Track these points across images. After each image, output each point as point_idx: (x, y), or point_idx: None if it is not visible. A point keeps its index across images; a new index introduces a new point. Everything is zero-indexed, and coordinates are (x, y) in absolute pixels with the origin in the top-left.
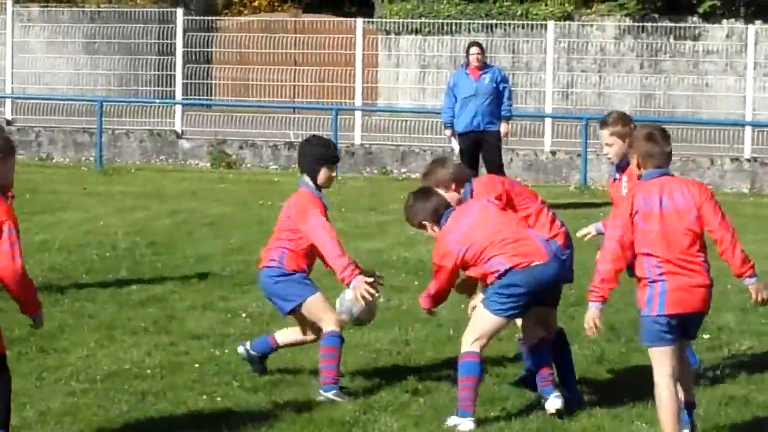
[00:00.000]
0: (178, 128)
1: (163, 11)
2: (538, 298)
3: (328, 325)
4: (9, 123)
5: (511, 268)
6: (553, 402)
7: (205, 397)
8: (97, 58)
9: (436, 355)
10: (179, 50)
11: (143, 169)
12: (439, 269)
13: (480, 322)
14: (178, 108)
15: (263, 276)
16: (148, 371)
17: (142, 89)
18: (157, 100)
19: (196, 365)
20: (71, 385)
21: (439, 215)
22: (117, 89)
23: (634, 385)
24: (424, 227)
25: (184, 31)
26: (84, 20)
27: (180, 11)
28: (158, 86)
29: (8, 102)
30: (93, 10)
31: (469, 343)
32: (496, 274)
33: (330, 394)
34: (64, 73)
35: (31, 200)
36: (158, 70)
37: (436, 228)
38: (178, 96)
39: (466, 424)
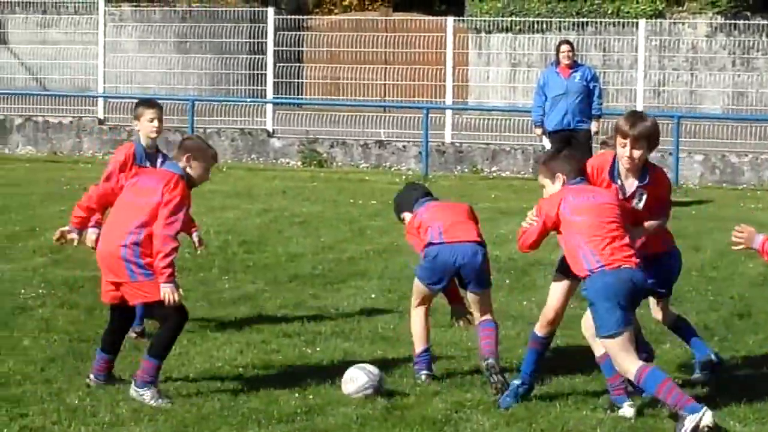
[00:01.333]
0: (269, 127)
1: (254, 10)
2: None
3: None
4: (101, 122)
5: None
6: (627, 410)
7: (296, 395)
8: (188, 58)
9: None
10: (270, 49)
11: (234, 167)
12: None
13: None
14: (269, 107)
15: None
16: (240, 369)
17: (234, 88)
18: (249, 99)
19: (288, 363)
20: (164, 382)
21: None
22: (208, 88)
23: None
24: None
25: (275, 30)
26: (175, 19)
27: (271, 10)
28: (249, 85)
29: (100, 101)
30: (184, 9)
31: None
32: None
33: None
34: (155, 72)
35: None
36: (249, 69)
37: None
38: (269, 95)
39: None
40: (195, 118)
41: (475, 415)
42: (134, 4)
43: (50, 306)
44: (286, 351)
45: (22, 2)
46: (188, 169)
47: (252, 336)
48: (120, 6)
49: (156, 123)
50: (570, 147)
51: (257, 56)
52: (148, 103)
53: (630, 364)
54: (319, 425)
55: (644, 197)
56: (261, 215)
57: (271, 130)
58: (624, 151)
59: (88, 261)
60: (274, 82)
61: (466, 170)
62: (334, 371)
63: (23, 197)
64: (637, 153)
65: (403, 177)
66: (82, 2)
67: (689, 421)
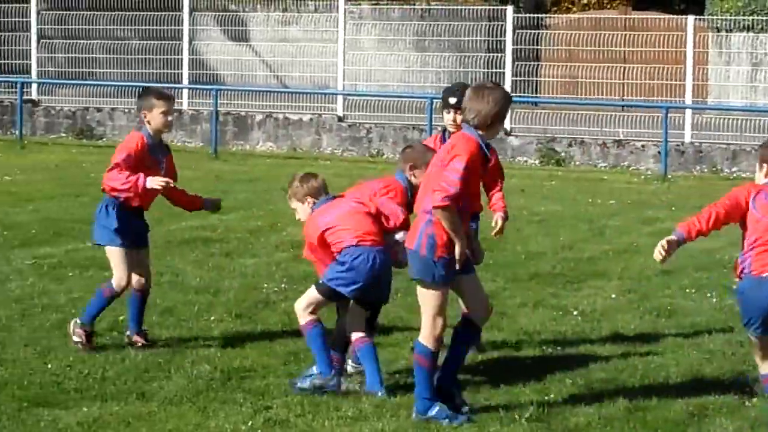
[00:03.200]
0: (506, 125)
1: (492, 9)
2: None
3: None
4: (341, 119)
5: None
6: None
7: (537, 394)
8: (426, 56)
9: None
10: (509, 48)
11: None
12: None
13: None
14: None
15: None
16: (481, 367)
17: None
18: None
19: (528, 361)
20: (410, 378)
21: None
22: (446, 86)
23: None
24: None
25: (514, 28)
26: (414, 18)
27: (510, 9)
28: None
29: (340, 98)
30: (423, 7)
31: None
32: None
33: None
34: (394, 70)
35: None
36: (487, 68)
37: None
38: None
39: None
40: (433, 116)
41: (719, 418)
42: (374, 2)
43: (292, 300)
44: (526, 349)
45: (264, 0)
46: (412, 179)
47: (493, 334)
48: (359, 4)
49: (169, 117)
50: None
51: (495, 54)
52: (161, 94)
53: None
54: (560, 425)
55: None
56: None
57: (508, 129)
58: None
59: None
60: (512, 81)
61: (705, 170)
62: (575, 371)
63: (264, 193)
64: None
65: (642, 177)
66: (323, 1)
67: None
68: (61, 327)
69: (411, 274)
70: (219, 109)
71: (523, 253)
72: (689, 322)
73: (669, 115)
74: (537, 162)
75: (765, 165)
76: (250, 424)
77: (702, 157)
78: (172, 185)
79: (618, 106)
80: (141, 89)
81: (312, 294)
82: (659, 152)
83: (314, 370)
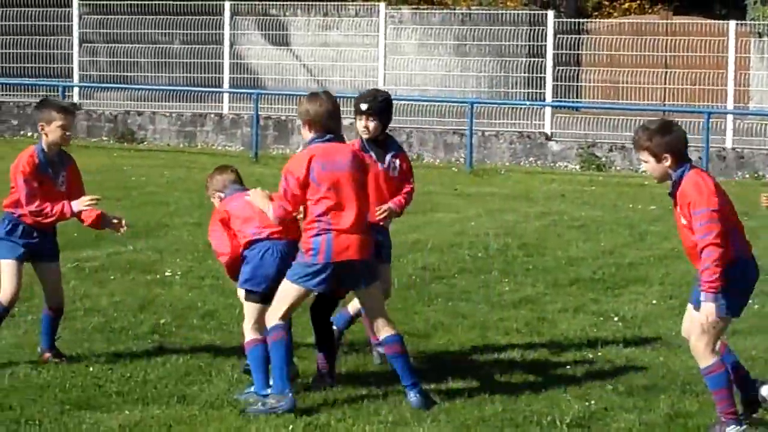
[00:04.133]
0: (547, 130)
1: (533, 13)
2: None
3: None
4: None
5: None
6: None
7: (578, 400)
8: (467, 60)
9: None
10: (549, 52)
11: (512, 170)
12: None
13: None
14: (548, 110)
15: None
16: (522, 372)
17: (512, 91)
18: (527, 102)
19: (568, 367)
20: (447, 383)
21: None
22: (487, 91)
23: None
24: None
25: (555, 33)
26: (455, 22)
27: (551, 14)
28: (528, 88)
29: None
30: (464, 12)
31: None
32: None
33: None
34: (434, 74)
35: None
36: (528, 73)
37: None
38: (548, 98)
39: None
40: (474, 121)
41: (761, 426)
42: (414, 6)
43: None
44: (566, 355)
45: (304, 5)
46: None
47: (533, 339)
48: (400, 9)
49: (68, 132)
50: None
51: (536, 59)
52: (62, 108)
53: None
54: (600, 430)
55: None
56: (540, 218)
57: (549, 133)
58: None
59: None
60: (553, 85)
61: (746, 176)
62: (616, 377)
63: None
64: None
65: None
66: (364, 5)
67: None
68: (103, 330)
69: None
70: (259, 113)
71: (564, 259)
72: (731, 328)
73: (710, 120)
74: (577, 167)
75: None
76: (290, 428)
77: (743, 163)
78: (95, 201)
79: (659, 111)
80: (40, 100)
81: (247, 309)
82: (700, 158)
83: (252, 389)
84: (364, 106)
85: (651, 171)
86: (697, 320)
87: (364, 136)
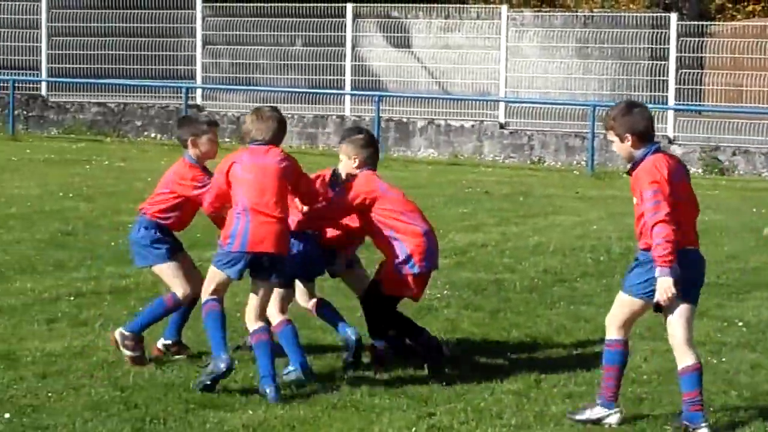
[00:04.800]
0: (669, 134)
1: (656, 16)
2: None
3: None
4: (502, 126)
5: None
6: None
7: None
8: (589, 63)
9: None
10: (672, 55)
11: None
12: None
13: None
14: (670, 113)
15: None
16: (645, 377)
17: (634, 94)
18: (649, 105)
19: None
20: (568, 387)
21: None
22: (608, 94)
23: None
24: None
25: (677, 36)
26: (577, 25)
27: (674, 16)
28: (650, 91)
29: (501, 105)
30: (586, 14)
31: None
32: None
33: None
34: (555, 77)
35: (525, 203)
36: (650, 76)
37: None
38: (671, 101)
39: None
40: (596, 124)
41: None
42: (536, 9)
43: (455, 307)
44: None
45: (426, 7)
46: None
47: (656, 344)
48: (522, 11)
49: (217, 144)
50: None
51: (658, 62)
52: (211, 122)
53: None
54: None
55: None
56: None
57: (671, 137)
58: None
59: (492, 263)
60: (676, 89)
61: None
62: (740, 382)
63: (427, 199)
64: None
65: None
66: (485, 7)
67: (597, 411)
68: (227, 330)
69: None
70: (381, 115)
71: None
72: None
73: None
74: (700, 171)
75: None
76: (413, 430)
77: None
78: None
79: None
80: (182, 117)
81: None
82: None
83: (290, 367)
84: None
85: (618, 151)
86: (675, 316)
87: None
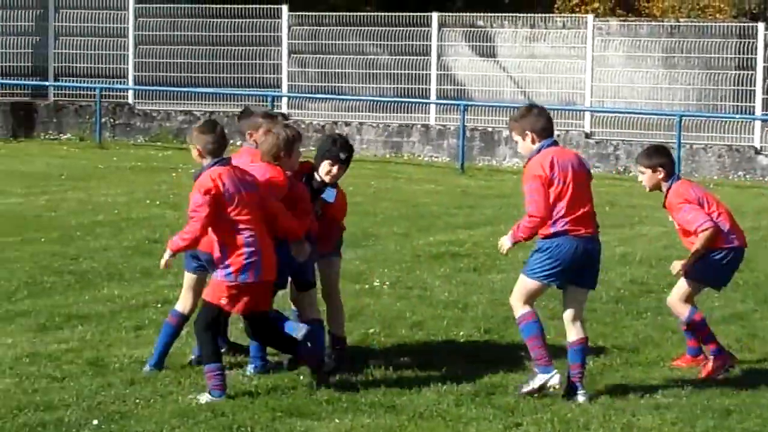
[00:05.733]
0: (756, 144)
1: (743, 26)
2: None
3: None
4: (588, 136)
5: None
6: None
7: None
8: (675, 73)
9: None
10: (760, 65)
11: (721, 184)
12: None
13: None
14: (758, 123)
15: None
16: (733, 390)
17: (720, 104)
18: (737, 116)
19: None
20: (655, 398)
21: None
22: (695, 104)
23: None
24: None
25: (765, 45)
26: (663, 34)
27: (761, 26)
28: (737, 101)
29: (587, 115)
30: (672, 24)
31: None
32: None
33: None
34: (641, 87)
35: (611, 213)
36: (736, 85)
37: None
38: (758, 111)
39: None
40: (682, 134)
41: None
42: (622, 18)
43: (541, 317)
44: None
45: (511, 17)
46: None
47: (744, 355)
48: (608, 20)
49: None
50: None
51: (745, 72)
52: (267, 114)
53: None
54: None
55: None
56: (749, 233)
57: (758, 147)
58: None
59: None
60: (763, 99)
61: None
62: None
63: (512, 208)
64: None
65: None
66: (571, 17)
67: (538, 379)
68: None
69: None
70: (466, 124)
71: None
72: None
73: None
74: None
75: None
76: None
77: None
78: None
79: None
80: (243, 109)
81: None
82: None
83: None
84: (343, 156)
85: (521, 151)
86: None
87: (326, 180)
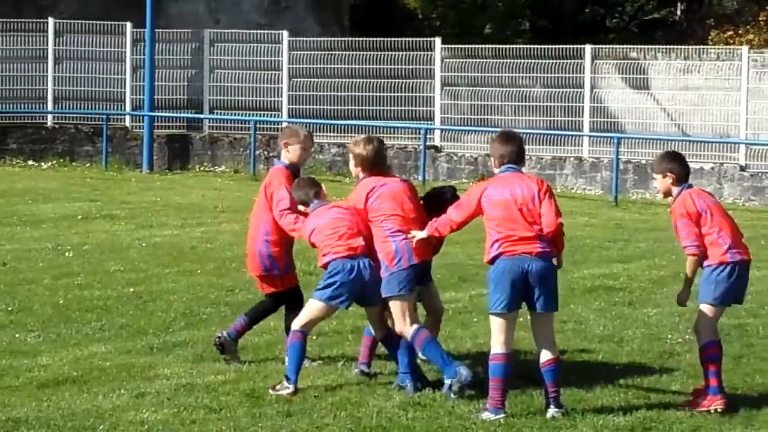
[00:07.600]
0: None
1: None
2: None
3: None
4: (743, 168)
5: None
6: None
7: None
8: None
9: None
10: None
11: None
12: None
13: None
14: None
15: None
16: None
17: None
18: None
19: None
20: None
21: None
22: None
23: None
24: None
25: None
26: None
27: None
28: None
29: (742, 147)
30: None
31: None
32: None
33: None
34: None
35: (767, 247)
36: None
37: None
38: None
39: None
40: None
41: None
42: None
43: (695, 352)
44: None
45: (665, 48)
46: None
47: None
48: (762, 52)
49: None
50: None
51: None
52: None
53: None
54: None
55: None
56: None
57: None
58: None
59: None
60: None
61: None
62: None
63: (667, 242)
64: None
65: None
66: (725, 49)
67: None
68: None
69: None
70: (619, 157)
71: None
72: None
73: None
74: None
75: None
76: None
77: None
78: None
79: None
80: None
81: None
82: None
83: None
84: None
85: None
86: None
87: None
